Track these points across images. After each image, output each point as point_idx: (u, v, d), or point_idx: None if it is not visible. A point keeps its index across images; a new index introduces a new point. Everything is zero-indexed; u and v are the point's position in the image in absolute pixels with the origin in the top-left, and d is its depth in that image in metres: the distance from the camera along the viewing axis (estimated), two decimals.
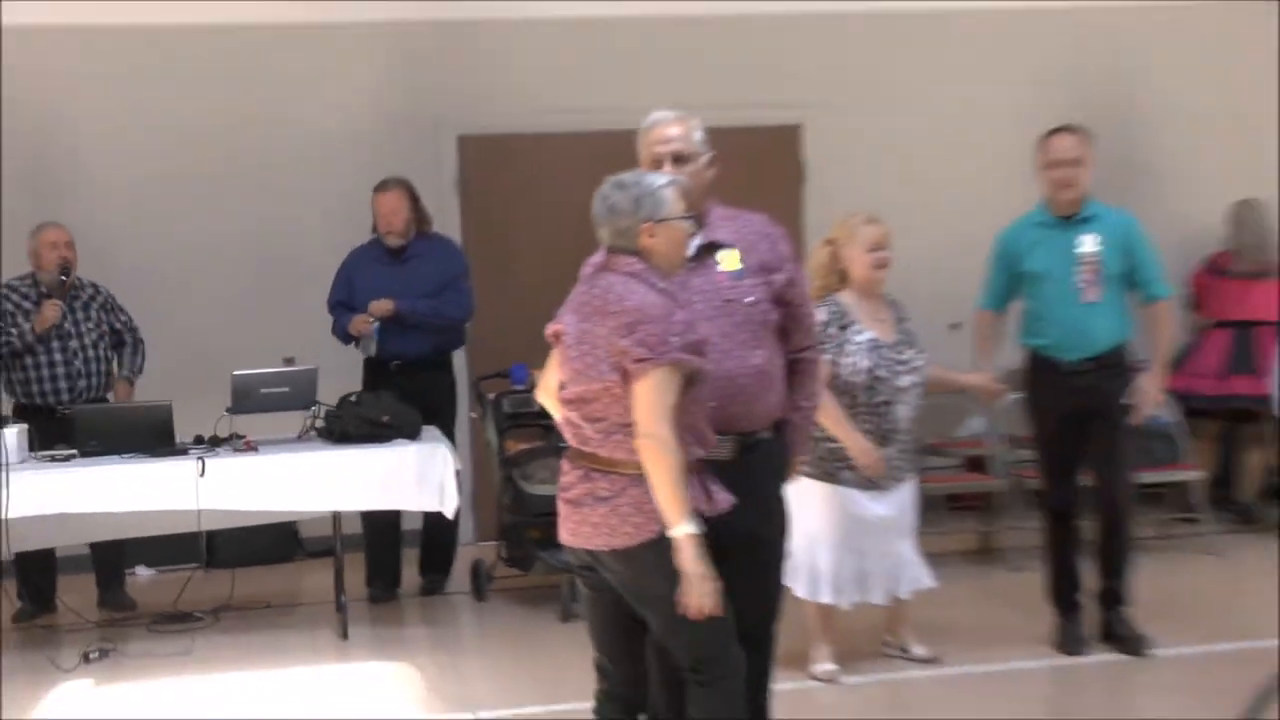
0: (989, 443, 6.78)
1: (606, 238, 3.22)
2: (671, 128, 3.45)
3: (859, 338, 4.64)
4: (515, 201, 7.09)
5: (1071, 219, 5.01)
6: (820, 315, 4.51)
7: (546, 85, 7.01)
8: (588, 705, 3.78)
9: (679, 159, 3.39)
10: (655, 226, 3.15)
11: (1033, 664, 5.05)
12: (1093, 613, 5.31)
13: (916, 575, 5.00)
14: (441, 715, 4.72)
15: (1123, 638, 5.12)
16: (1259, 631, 5.10)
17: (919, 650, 5.04)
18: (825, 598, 4.76)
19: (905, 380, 4.74)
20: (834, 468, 4.69)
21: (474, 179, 7.06)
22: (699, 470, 3.15)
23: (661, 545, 3.12)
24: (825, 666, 4.86)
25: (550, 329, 3.31)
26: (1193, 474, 6.64)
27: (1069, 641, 5.09)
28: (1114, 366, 5.11)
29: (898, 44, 7.34)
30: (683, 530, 3.02)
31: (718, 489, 3.20)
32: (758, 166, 6.49)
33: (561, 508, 3.36)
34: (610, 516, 3.21)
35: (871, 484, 4.78)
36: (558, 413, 3.39)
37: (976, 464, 6.96)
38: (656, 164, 3.34)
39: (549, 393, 3.41)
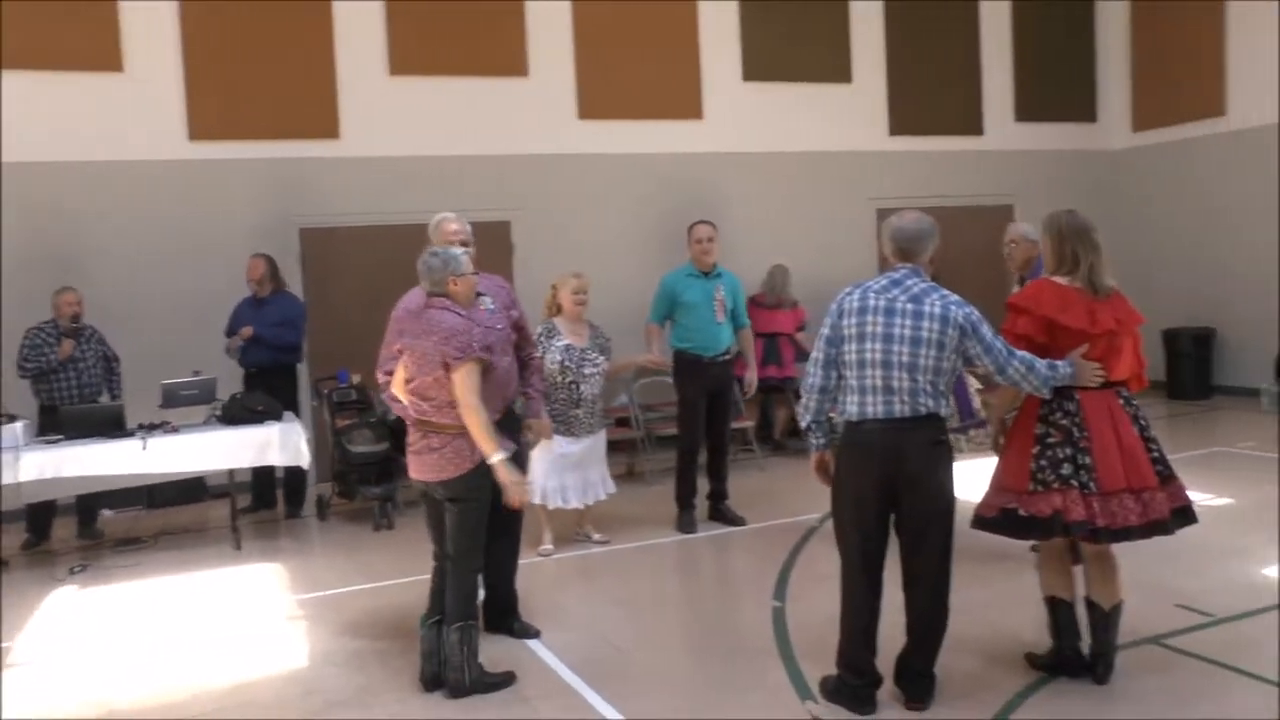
0: (630, 408, 9.15)
1: (427, 286, 4.41)
2: (456, 224, 5.04)
3: (558, 344, 6.44)
4: (339, 269, 9.32)
5: (708, 273, 7.15)
6: (537, 330, 6.31)
7: (356, 197, 9.32)
8: (391, 583, 5.90)
9: (464, 242, 4.91)
10: (457, 279, 4.39)
11: (667, 540, 6.94)
12: (703, 508, 7.22)
13: (600, 490, 6.74)
14: (302, 594, 6.12)
15: (727, 519, 7.19)
16: (798, 512, 7.25)
17: (597, 536, 6.87)
18: (543, 501, 6.49)
19: (588, 370, 6.47)
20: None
21: (310, 256, 9.27)
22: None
23: (468, 476, 4.32)
24: (547, 547, 6.64)
25: (395, 348, 4.51)
26: (749, 423, 9.31)
27: (687, 525, 7.11)
28: (728, 362, 7.22)
29: (566, 176, 10.04)
30: (497, 457, 4.25)
31: (502, 438, 4.39)
32: (486, 247, 8.11)
33: (410, 458, 4.48)
34: (440, 459, 4.34)
35: (570, 432, 6.47)
36: (406, 398, 4.45)
37: (623, 421, 9.13)
38: (450, 244, 4.76)
39: (400, 386, 4.51)
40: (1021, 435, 4.19)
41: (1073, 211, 4.36)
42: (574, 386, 6.48)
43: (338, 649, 5.17)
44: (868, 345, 4.00)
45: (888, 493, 3.99)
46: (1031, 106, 12.36)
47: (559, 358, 6.43)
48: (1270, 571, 5.59)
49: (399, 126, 9.50)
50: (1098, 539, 4.06)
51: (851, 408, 4.05)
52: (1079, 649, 4.35)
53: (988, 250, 11.64)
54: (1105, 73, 12.82)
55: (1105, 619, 4.26)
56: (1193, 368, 11.70)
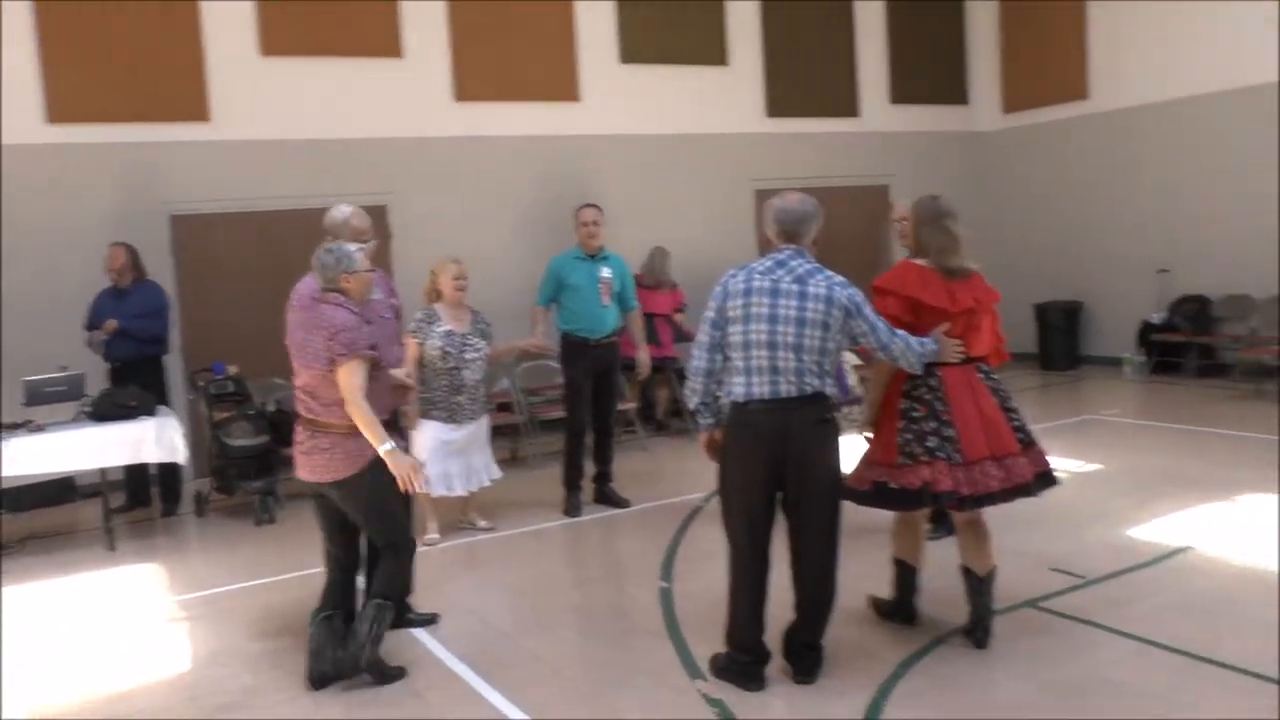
0: (513, 393, 9.08)
1: (321, 282, 4.40)
2: (360, 221, 5.14)
3: (439, 330, 6.32)
4: (213, 258, 9.01)
5: (594, 256, 7.14)
6: (418, 315, 6.36)
7: (229, 182, 9.01)
8: (276, 579, 5.79)
9: (366, 239, 5.03)
10: (350, 275, 4.40)
11: (552, 524, 6.91)
12: (588, 491, 7.20)
13: (484, 476, 6.65)
14: (183, 595, 5.91)
15: (613, 501, 7.21)
16: (682, 492, 7.35)
17: (482, 523, 6.80)
18: (427, 490, 6.17)
19: (469, 355, 6.38)
20: (425, 409, 6.32)
21: (183, 245, 8.93)
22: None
23: (360, 476, 4.29)
24: (432, 536, 6.53)
25: (288, 341, 4.47)
26: (632, 405, 9.28)
27: (573, 508, 7.07)
28: (614, 344, 7.21)
29: (443, 159, 9.91)
30: (385, 448, 4.24)
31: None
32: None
33: (297, 457, 4.42)
34: (329, 460, 4.32)
35: (453, 418, 6.37)
36: (296, 395, 4.47)
37: (505, 406, 9.02)
38: (358, 239, 4.85)
39: None
40: (888, 411, 4.37)
41: (935, 197, 4.58)
42: (455, 372, 6.41)
43: (222, 650, 5.02)
44: (753, 326, 4.02)
45: (775, 472, 4.03)
46: (906, 89, 12.64)
47: (440, 344, 6.36)
48: (1135, 533, 5.87)
49: (272, 109, 9.22)
50: (963, 506, 4.26)
51: (737, 389, 4.06)
52: (913, 603, 4.69)
53: (866, 230, 12.08)
54: (975, 56, 13.20)
55: (980, 584, 4.42)
56: (1062, 339, 12.16)
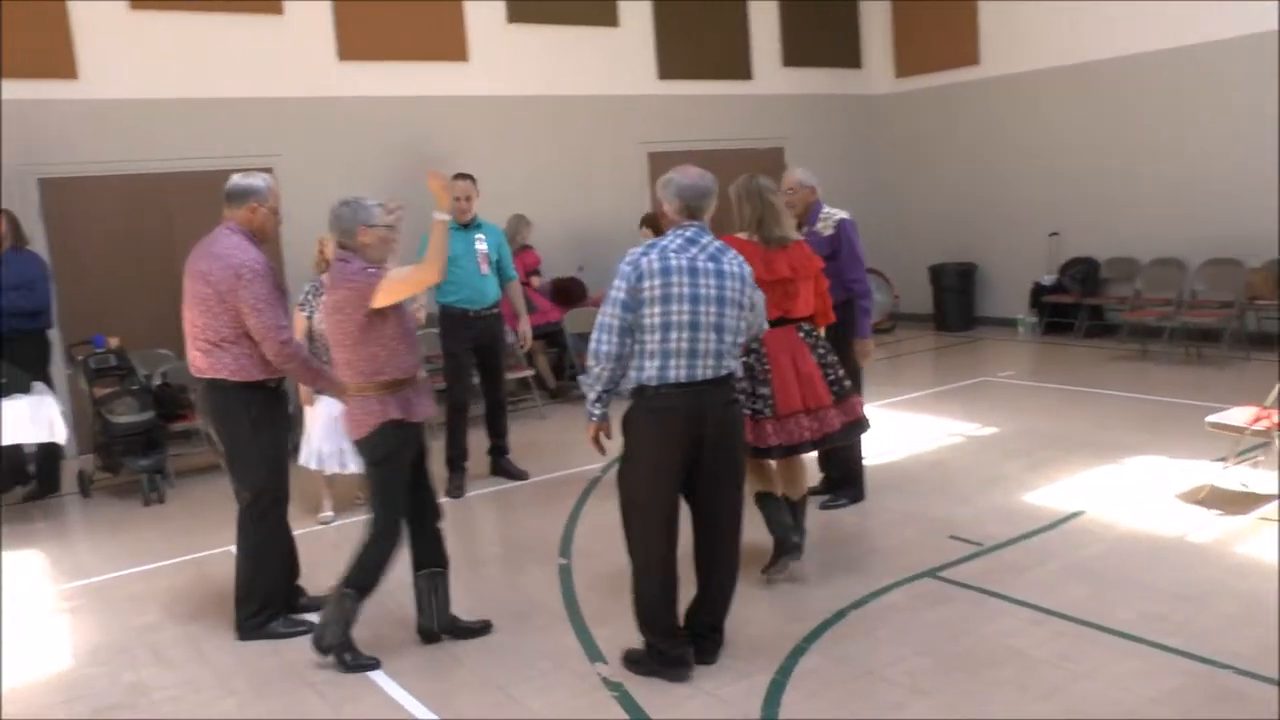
0: None
1: (337, 236, 4.26)
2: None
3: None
4: (87, 223, 8.56)
5: (468, 226, 6.93)
6: (306, 288, 6.14)
7: (101, 143, 8.53)
8: (163, 564, 5.57)
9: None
10: (368, 229, 4.25)
11: (444, 500, 6.01)
12: (485, 463, 7.02)
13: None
14: (63, 584, 5.59)
15: (510, 473, 7.09)
16: (579, 463, 7.16)
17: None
18: (320, 467, 6.21)
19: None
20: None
21: (53, 209, 8.46)
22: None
23: (368, 439, 4.22)
24: (327, 514, 6.38)
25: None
26: (529, 372, 9.15)
27: (455, 489, 6.76)
28: (496, 315, 6.99)
29: (327, 120, 9.55)
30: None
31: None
32: None
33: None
34: (349, 418, 4.31)
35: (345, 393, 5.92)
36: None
37: None
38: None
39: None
40: None
41: (753, 175, 4.99)
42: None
43: (105, 644, 4.78)
44: (673, 307, 3.84)
45: (689, 454, 3.90)
46: (799, 52, 12.60)
47: (307, 314, 6.15)
48: (1030, 498, 5.98)
49: (144, 66, 8.74)
50: (772, 454, 4.75)
51: (649, 372, 3.86)
52: (789, 533, 4.87)
53: None
54: (868, 21, 13.24)
55: (794, 507, 5.02)
56: (957, 301, 12.36)
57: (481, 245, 6.94)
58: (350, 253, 4.26)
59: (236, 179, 4.64)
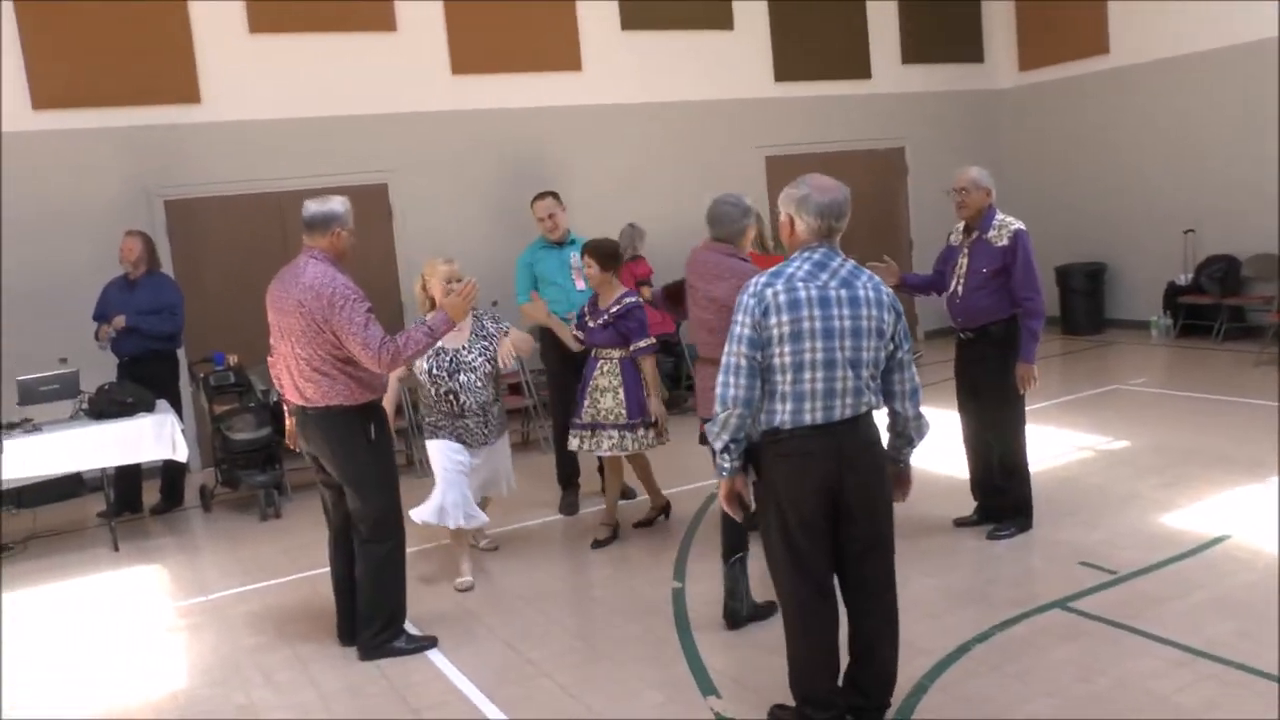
0: (521, 374, 8.57)
1: (717, 233, 4.81)
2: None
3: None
4: (208, 243, 8.82)
5: (561, 244, 6.84)
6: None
7: (222, 164, 8.76)
8: (275, 582, 5.61)
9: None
10: (751, 229, 4.88)
11: (554, 518, 6.63)
12: (596, 481, 6.72)
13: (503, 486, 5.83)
14: (183, 600, 5.70)
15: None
16: (694, 477, 6.54)
17: (483, 542, 6.16)
18: (442, 521, 5.34)
19: (464, 378, 5.38)
20: (431, 430, 5.48)
21: (177, 230, 8.72)
22: None
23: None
24: (466, 580, 5.49)
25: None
26: None
27: (569, 506, 6.73)
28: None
29: (441, 133, 9.59)
30: None
31: None
32: (364, 212, 8.19)
33: None
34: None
35: (463, 441, 5.45)
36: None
37: (515, 389, 8.60)
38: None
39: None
40: None
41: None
42: (452, 398, 5.46)
43: (217, 664, 4.82)
44: (805, 345, 3.42)
45: (830, 499, 3.50)
46: (918, 48, 12.22)
47: (426, 365, 5.44)
48: (1168, 520, 5.59)
49: (263, 88, 8.95)
50: None
51: (782, 416, 3.45)
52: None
53: (879, 195, 11.73)
54: (990, 13, 12.74)
55: None
56: (1085, 303, 11.81)
57: (576, 263, 6.76)
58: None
59: (314, 206, 4.57)
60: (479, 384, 5.44)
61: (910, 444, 3.68)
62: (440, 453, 5.43)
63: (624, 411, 5.80)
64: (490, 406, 5.55)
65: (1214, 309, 10.60)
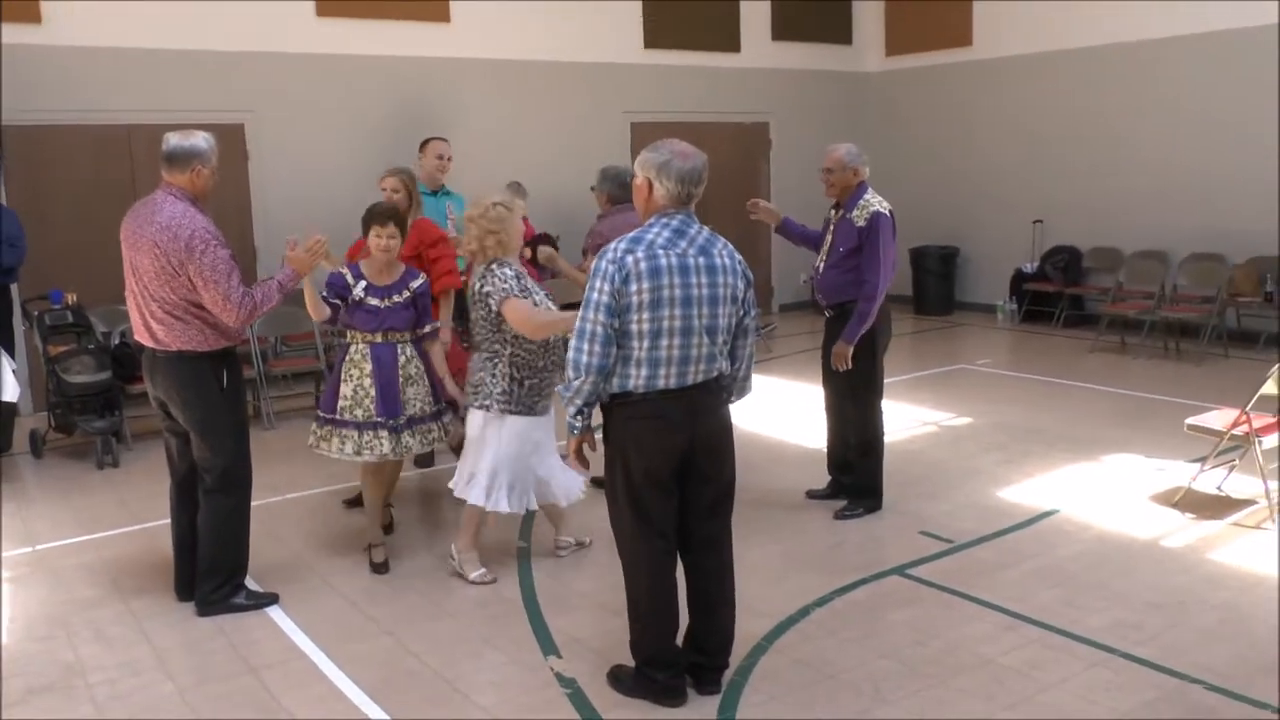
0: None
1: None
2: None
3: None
4: (47, 174, 8.26)
5: (437, 192, 6.83)
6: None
7: (66, 92, 8.20)
8: (110, 533, 5.39)
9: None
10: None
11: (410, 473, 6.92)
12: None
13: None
14: (9, 551, 5.34)
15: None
16: None
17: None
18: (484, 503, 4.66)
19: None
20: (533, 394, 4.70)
21: (14, 158, 8.10)
22: None
23: None
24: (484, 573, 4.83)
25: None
26: None
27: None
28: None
29: (303, 77, 9.26)
30: None
31: None
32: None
33: None
34: None
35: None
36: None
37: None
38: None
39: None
40: None
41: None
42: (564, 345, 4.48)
43: (43, 619, 4.57)
44: (664, 312, 3.41)
45: (680, 459, 3.55)
46: (788, 26, 12.32)
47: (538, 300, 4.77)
48: (1004, 494, 5.85)
49: (110, 12, 8.36)
50: None
51: (636, 381, 3.46)
52: None
53: (741, 168, 11.85)
54: None
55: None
56: (938, 285, 12.22)
57: (452, 215, 6.67)
58: None
59: (176, 140, 4.31)
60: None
61: (730, 400, 3.76)
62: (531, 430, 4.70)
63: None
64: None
65: (1056, 297, 11.09)
